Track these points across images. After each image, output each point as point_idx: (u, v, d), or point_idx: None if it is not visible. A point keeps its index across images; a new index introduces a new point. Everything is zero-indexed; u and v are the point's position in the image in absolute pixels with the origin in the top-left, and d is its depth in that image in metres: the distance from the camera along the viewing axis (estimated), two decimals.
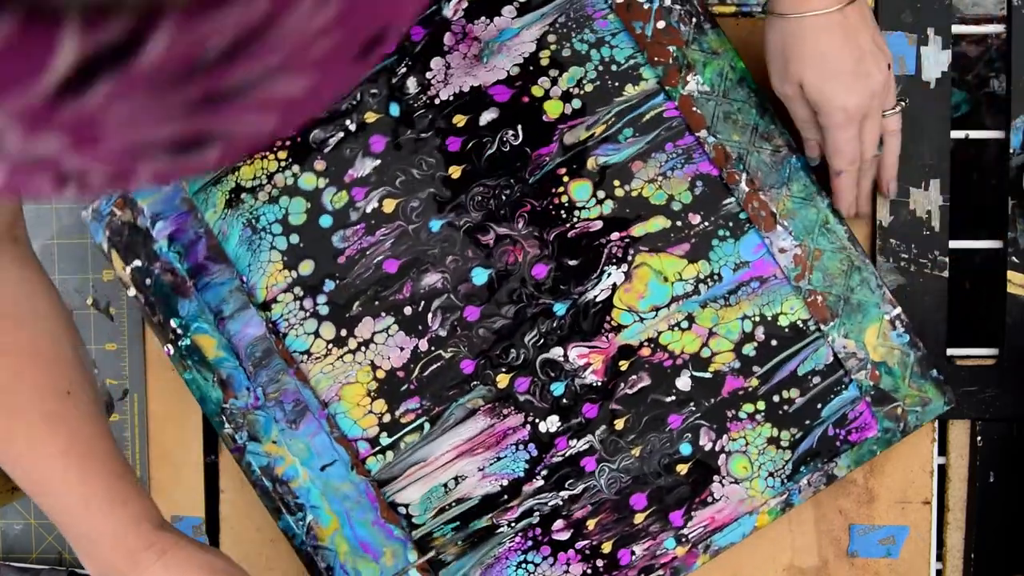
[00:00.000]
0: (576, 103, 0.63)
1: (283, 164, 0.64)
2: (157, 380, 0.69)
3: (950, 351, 0.66)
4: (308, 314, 0.64)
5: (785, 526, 0.66)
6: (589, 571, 0.64)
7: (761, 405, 0.63)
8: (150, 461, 0.69)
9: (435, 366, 0.64)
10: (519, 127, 0.63)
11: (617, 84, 0.63)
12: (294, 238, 0.64)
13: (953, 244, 0.66)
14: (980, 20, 0.69)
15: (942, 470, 0.67)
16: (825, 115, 0.57)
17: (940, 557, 0.67)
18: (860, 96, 0.56)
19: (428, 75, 0.63)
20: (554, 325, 0.63)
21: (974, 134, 0.68)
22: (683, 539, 0.63)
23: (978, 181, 0.76)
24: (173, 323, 0.64)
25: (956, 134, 0.67)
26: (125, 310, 0.68)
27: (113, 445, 0.56)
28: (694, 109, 0.63)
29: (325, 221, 0.64)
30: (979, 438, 0.66)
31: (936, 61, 0.65)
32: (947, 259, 0.65)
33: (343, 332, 0.64)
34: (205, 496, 0.68)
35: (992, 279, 0.67)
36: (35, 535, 0.69)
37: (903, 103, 0.60)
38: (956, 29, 0.66)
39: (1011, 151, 0.65)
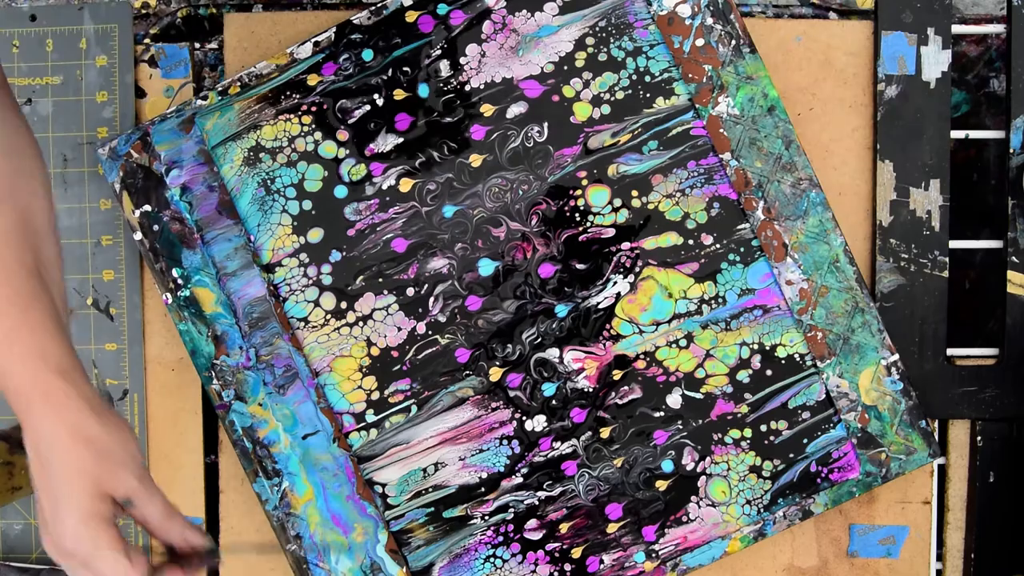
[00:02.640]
0: (605, 108, 0.63)
1: (306, 129, 0.64)
2: (157, 380, 0.69)
3: (950, 351, 0.66)
4: (311, 282, 0.64)
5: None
6: (556, 574, 0.64)
7: (748, 432, 0.63)
8: (150, 461, 0.69)
9: (430, 350, 0.64)
10: (545, 124, 0.63)
11: (649, 95, 0.63)
12: (307, 204, 0.64)
13: (953, 244, 0.66)
14: (980, 20, 0.69)
15: (942, 470, 0.67)
16: None
17: (940, 557, 0.67)
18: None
19: (462, 60, 0.63)
20: (553, 326, 0.63)
21: (974, 134, 0.68)
22: (653, 554, 0.63)
23: (978, 181, 0.76)
24: (175, 272, 0.64)
25: (956, 134, 0.67)
26: (125, 310, 0.68)
27: (43, 289, 0.49)
28: (721, 131, 0.63)
29: (340, 192, 0.64)
30: (979, 438, 0.66)
31: (936, 61, 0.65)
32: (947, 259, 0.65)
33: (343, 304, 0.64)
34: (205, 496, 0.68)
35: (992, 279, 0.67)
36: (35, 535, 0.69)
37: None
38: (956, 29, 0.66)
39: (1011, 151, 0.65)
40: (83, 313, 0.68)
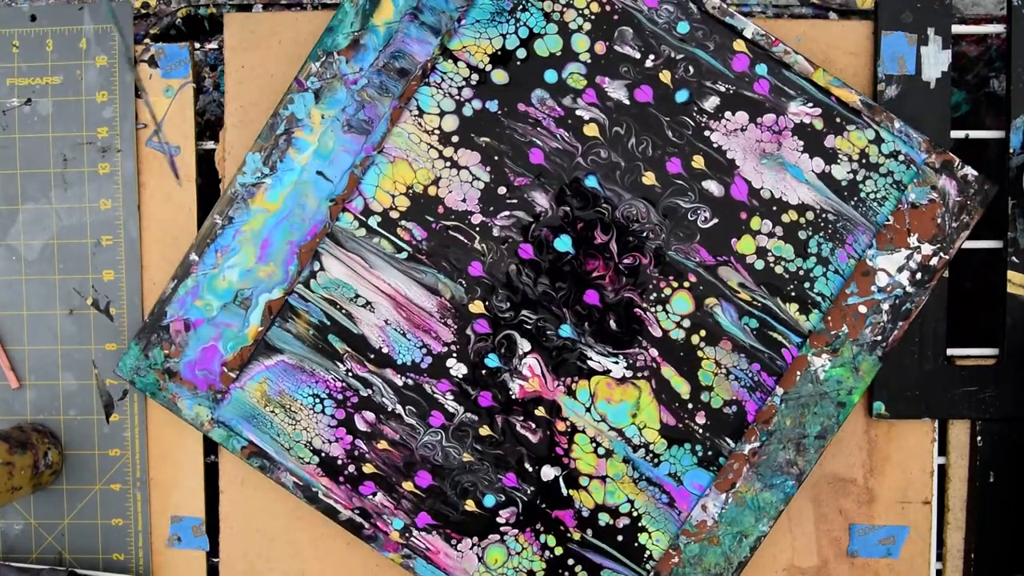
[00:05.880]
0: (759, 264, 0.63)
1: (586, 10, 0.63)
2: None
3: (950, 351, 0.67)
4: (457, 99, 0.63)
5: (785, 526, 0.67)
6: (339, 463, 0.64)
7: (558, 551, 0.64)
8: (150, 461, 0.68)
9: (462, 238, 0.63)
10: (716, 221, 0.63)
11: (794, 294, 0.63)
12: (521, 53, 0.63)
13: None
14: (980, 20, 0.69)
15: (942, 470, 0.68)
16: None
17: (940, 557, 0.68)
18: None
19: (727, 115, 0.63)
20: (548, 332, 0.63)
21: (974, 134, 0.68)
22: (407, 532, 0.64)
23: None
24: None
25: (956, 134, 0.67)
26: (125, 310, 0.67)
27: None
28: (798, 373, 0.63)
29: (549, 76, 0.63)
30: (979, 438, 0.67)
31: (936, 61, 0.65)
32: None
33: (456, 139, 0.63)
34: (205, 496, 0.67)
35: (992, 279, 0.68)
36: (35, 535, 0.68)
37: None
38: (956, 29, 0.66)
39: (1011, 151, 0.66)
40: (83, 313, 0.67)
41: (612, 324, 0.63)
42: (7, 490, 0.62)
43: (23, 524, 0.68)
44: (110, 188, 0.67)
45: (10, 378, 0.68)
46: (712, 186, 0.63)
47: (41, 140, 0.68)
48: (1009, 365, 0.66)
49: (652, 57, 0.63)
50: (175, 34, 0.72)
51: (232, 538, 0.68)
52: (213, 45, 0.70)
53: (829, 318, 0.63)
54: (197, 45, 0.69)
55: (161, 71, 0.67)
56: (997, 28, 0.67)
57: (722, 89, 0.63)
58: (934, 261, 0.63)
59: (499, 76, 0.63)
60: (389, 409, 0.64)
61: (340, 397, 0.64)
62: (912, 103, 0.65)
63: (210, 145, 0.68)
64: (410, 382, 0.64)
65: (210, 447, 0.68)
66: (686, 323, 0.63)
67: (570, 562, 0.64)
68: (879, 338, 0.63)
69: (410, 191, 0.63)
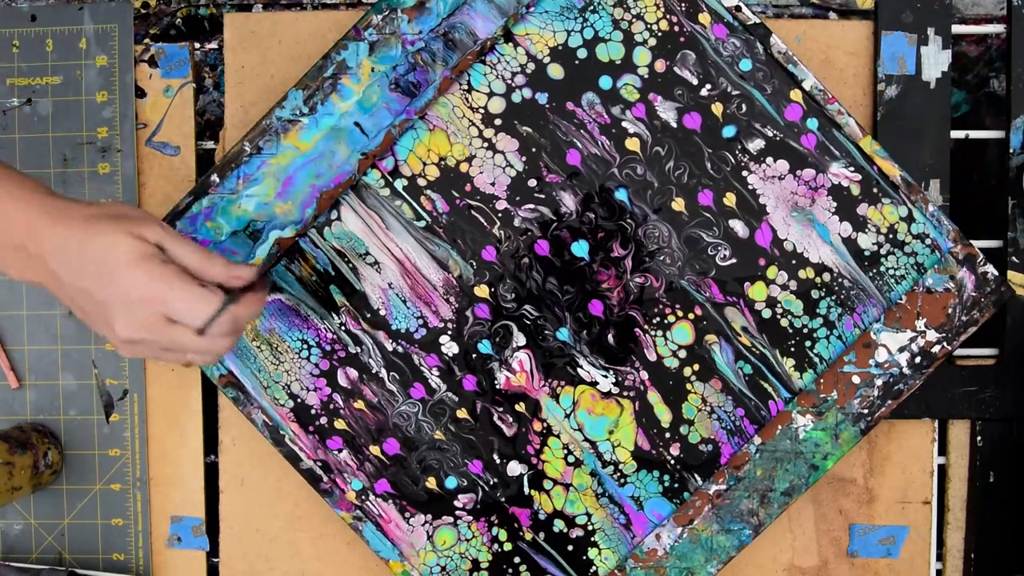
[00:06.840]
0: (766, 313, 0.63)
1: (655, 26, 0.62)
2: (157, 380, 0.67)
3: None
4: (509, 84, 0.63)
5: (785, 526, 0.67)
6: (312, 412, 0.64)
7: (508, 547, 0.64)
8: (150, 461, 0.67)
9: (482, 221, 0.63)
10: (734, 260, 0.63)
11: (793, 350, 0.63)
12: (583, 53, 0.63)
13: None
14: (980, 20, 0.69)
15: (942, 470, 0.68)
16: None
17: (940, 557, 0.68)
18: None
19: (769, 160, 0.63)
20: (545, 333, 0.63)
21: (974, 134, 0.68)
22: (363, 495, 0.64)
23: (978, 181, 0.75)
24: None
25: (956, 134, 0.67)
26: None
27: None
28: (778, 427, 0.63)
29: (604, 82, 0.63)
30: (979, 438, 0.67)
31: (936, 61, 0.65)
32: None
33: (499, 122, 0.63)
34: (205, 496, 0.67)
35: None
36: (35, 535, 0.68)
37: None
38: (956, 29, 0.67)
39: (1011, 151, 0.66)
40: None
41: (610, 338, 0.63)
42: (7, 490, 0.62)
43: (23, 524, 0.68)
44: (110, 188, 0.67)
45: (10, 378, 0.67)
46: (738, 226, 0.63)
47: (41, 140, 0.67)
48: (1009, 365, 0.66)
49: (709, 87, 0.63)
50: (175, 34, 0.72)
51: (232, 538, 0.68)
52: (213, 45, 0.70)
53: (822, 381, 0.63)
54: (197, 45, 0.69)
55: (161, 71, 0.67)
56: (997, 28, 0.67)
57: (769, 134, 0.63)
58: (936, 349, 0.63)
59: (555, 71, 0.63)
60: (373, 371, 0.64)
61: (328, 348, 0.64)
62: (912, 103, 0.65)
63: (210, 145, 0.68)
64: (400, 349, 0.64)
65: (210, 447, 0.68)
66: (682, 354, 0.63)
67: (516, 560, 0.64)
68: (865, 411, 0.63)
69: (442, 163, 0.63)
